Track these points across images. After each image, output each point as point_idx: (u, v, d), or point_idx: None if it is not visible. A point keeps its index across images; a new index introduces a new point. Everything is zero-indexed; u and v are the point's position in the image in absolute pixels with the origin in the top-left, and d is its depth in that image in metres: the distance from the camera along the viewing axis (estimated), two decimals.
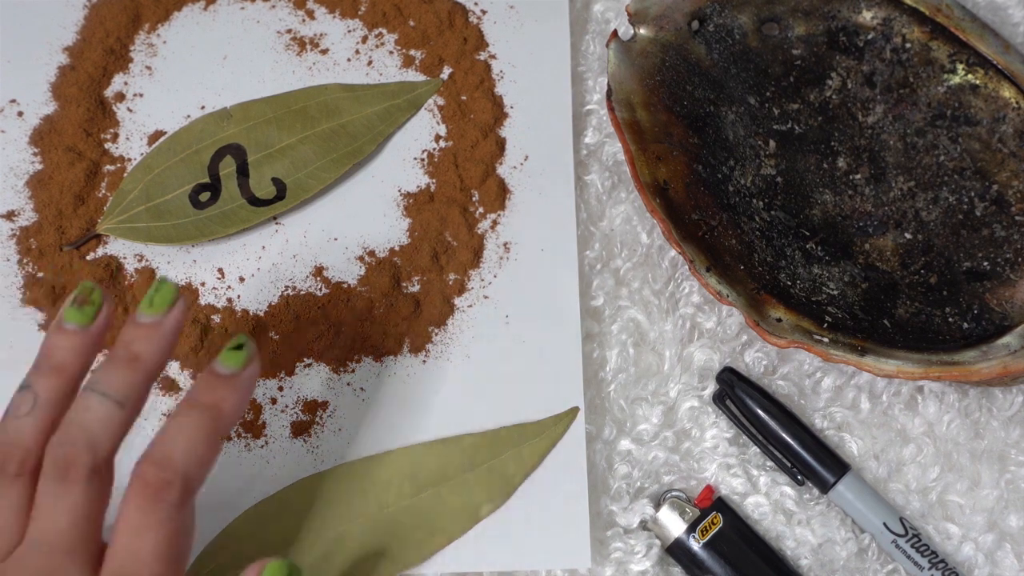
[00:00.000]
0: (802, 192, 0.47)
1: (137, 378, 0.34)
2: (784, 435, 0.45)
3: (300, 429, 0.45)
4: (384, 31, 0.51)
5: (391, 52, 0.50)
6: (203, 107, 0.49)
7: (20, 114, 0.49)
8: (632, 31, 0.47)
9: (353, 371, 0.45)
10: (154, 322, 0.35)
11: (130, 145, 0.49)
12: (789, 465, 0.45)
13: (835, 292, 0.45)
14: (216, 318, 0.46)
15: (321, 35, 0.51)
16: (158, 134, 0.49)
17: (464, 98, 0.49)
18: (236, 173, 0.47)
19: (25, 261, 0.47)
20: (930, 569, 0.43)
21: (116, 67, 0.50)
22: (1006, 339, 0.41)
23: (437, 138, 0.49)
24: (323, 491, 0.43)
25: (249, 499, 0.43)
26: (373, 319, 0.46)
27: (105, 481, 0.34)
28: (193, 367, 0.45)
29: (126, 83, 0.50)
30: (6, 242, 0.47)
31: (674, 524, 0.44)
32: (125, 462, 0.34)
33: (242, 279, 0.47)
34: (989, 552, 0.44)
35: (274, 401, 0.45)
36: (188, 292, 0.46)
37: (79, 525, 0.33)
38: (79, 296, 0.35)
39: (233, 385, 0.35)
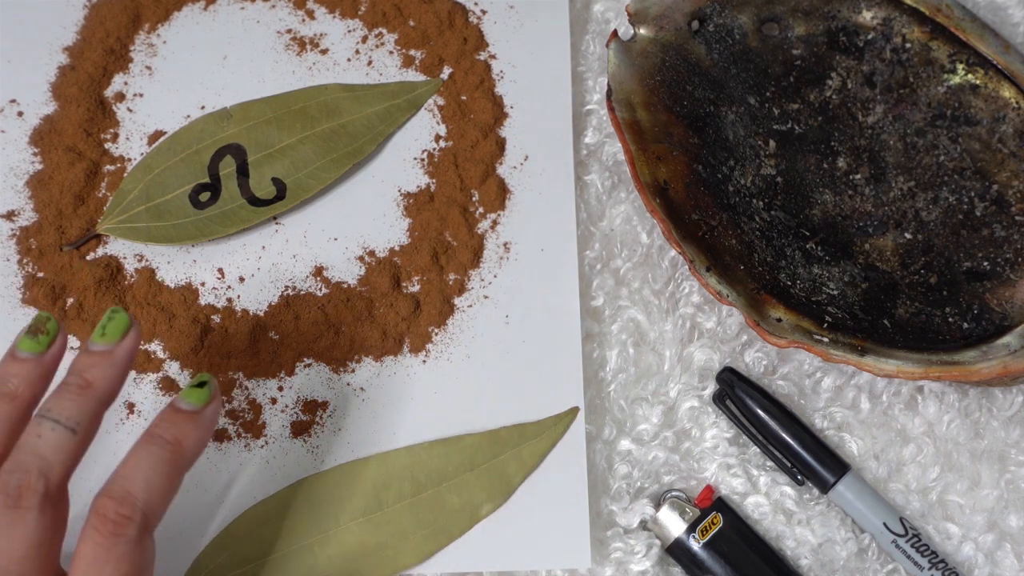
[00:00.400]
0: (802, 192, 0.47)
1: (89, 405, 0.35)
2: (784, 435, 0.45)
3: (300, 429, 0.45)
4: (384, 31, 0.51)
5: (391, 52, 0.50)
6: (203, 107, 0.49)
7: (20, 114, 0.49)
8: (632, 31, 0.47)
9: (353, 371, 0.45)
10: (106, 350, 0.36)
11: (130, 145, 0.49)
12: (789, 465, 0.45)
13: (835, 292, 0.45)
14: (216, 318, 0.46)
15: (321, 35, 0.51)
16: (158, 134, 0.49)
17: (464, 98, 0.49)
18: (236, 173, 0.47)
19: (25, 261, 0.47)
20: (930, 569, 0.43)
21: (116, 67, 0.50)
22: (1006, 339, 0.41)
23: (437, 138, 0.49)
24: (323, 491, 0.43)
25: (249, 499, 0.43)
26: (373, 319, 0.46)
27: (59, 508, 0.34)
28: (193, 367, 0.45)
29: (126, 83, 0.50)
30: (6, 242, 0.47)
31: (674, 524, 0.44)
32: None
33: (242, 279, 0.47)
34: (989, 552, 0.44)
35: (274, 401, 0.45)
36: (188, 292, 0.46)
37: (33, 553, 0.32)
38: (34, 325, 0.36)
39: (195, 421, 0.36)
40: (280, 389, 0.45)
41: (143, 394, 0.45)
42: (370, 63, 0.50)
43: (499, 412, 0.45)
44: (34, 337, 0.36)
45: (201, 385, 0.36)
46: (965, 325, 0.44)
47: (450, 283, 0.47)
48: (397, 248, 0.47)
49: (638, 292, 0.47)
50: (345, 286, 0.47)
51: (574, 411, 0.44)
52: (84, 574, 0.32)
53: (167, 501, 0.34)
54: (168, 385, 0.45)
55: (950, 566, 0.43)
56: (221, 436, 0.44)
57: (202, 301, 0.46)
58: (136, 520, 0.33)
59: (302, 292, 0.46)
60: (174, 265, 0.47)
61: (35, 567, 0.33)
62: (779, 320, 0.42)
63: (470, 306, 0.46)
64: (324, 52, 0.50)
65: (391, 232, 0.47)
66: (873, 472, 0.45)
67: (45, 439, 0.33)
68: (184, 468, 0.35)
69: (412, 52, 0.50)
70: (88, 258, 0.47)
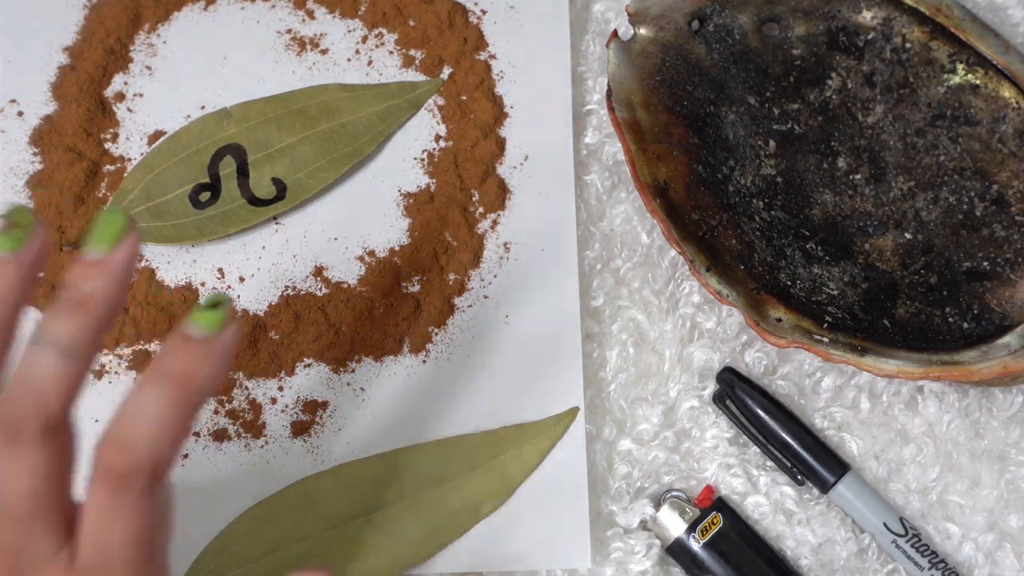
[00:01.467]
0: (802, 192, 0.47)
1: (87, 322, 0.30)
2: (784, 435, 0.45)
3: (300, 429, 0.45)
4: (384, 31, 0.51)
5: (391, 52, 0.50)
6: (203, 107, 0.49)
7: (20, 114, 0.49)
8: (632, 31, 0.47)
9: (353, 371, 0.45)
10: (102, 259, 0.31)
11: (130, 145, 0.49)
12: (789, 465, 0.45)
13: (835, 292, 0.45)
14: None
15: (321, 35, 0.51)
16: (158, 134, 0.49)
17: (464, 98, 0.49)
18: (236, 173, 0.47)
19: None
20: (930, 569, 0.43)
21: (116, 67, 0.50)
22: (1006, 339, 0.41)
23: (437, 138, 0.49)
24: (323, 491, 0.43)
25: (249, 499, 0.43)
26: (373, 319, 0.46)
27: (63, 439, 0.30)
28: None
29: (126, 83, 0.50)
30: None
31: (674, 524, 0.44)
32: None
33: (242, 279, 0.47)
34: (989, 552, 0.44)
35: (274, 401, 0.45)
36: (188, 292, 0.46)
37: (39, 489, 0.29)
38: (7, 219, 0.31)
39: (207, 351, 0.30)
40: (280, 389, 0.45)
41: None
42: (370, 63, 0.50)
43: (499, 412, 0.45)
44: (8, 233, 0.30)
45: (215, 306, 0.31)
46: (965, 325, 0.44)
47: (450, 283, 0.47)
48: (397, 248, 0.47)
49: (638, 292, 0.47)
50: (345, 286, 0.47)
51: (574, 411, 0.44)
52: (93, 534, 0.29)
53: (178, 445, 0.30)
54: None
55: (950, 566, 0.43)
56: (221, 436, 0.44)
57: (202, 301, 0.46)
58: (144, 470, 0.29)
59: (302, 292, 0.46)
60: (174, 265, 0.47)
61: (42, 503, 0.29)
62: (779, 320, 0.42)
63: (470, 306, 0.46)
64: (324, 52, 0.50)
65: (391, 232, 0.48)
66: (873, 472, 0.45)
67: (39, 368, 0.29)
68: (196, 407, 0.30)
69: (412, 52, 0.50)
70: None
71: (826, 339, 0.42)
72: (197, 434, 0.44)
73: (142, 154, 0.48)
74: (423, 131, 0.49)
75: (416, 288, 0.47)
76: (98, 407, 0.43)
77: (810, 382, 0.46)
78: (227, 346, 0.31)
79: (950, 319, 0.44)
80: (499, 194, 0.48)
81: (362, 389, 0.45)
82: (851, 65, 0.48)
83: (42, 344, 0.30)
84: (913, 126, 0.47)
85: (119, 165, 0.48)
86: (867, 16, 0.48)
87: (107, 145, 0.49)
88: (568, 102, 0.49)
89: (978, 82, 0.46)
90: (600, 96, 0.50)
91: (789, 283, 0.44)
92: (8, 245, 0.31)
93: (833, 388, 0.46)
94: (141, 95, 0.50)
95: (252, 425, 0.45)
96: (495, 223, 0.48)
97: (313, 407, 0.45)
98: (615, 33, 0.47)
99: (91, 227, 0.31)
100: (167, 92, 0.50)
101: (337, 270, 0.47)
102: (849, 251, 0.46)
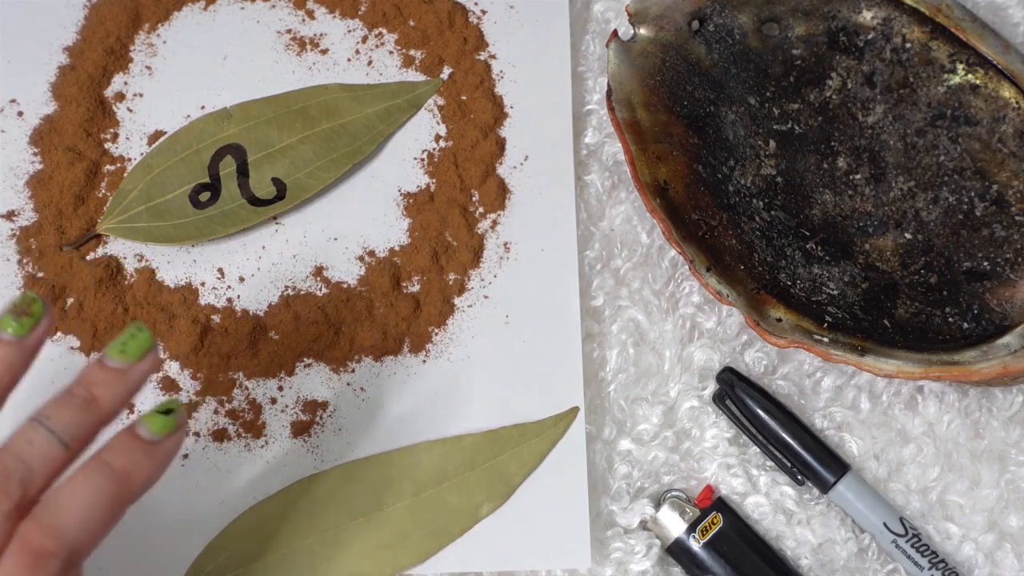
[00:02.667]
0: (802, 192, 0.47)
1: (90, 420, 0.33)
2: (784, 435, 0.45)
3: (300, 429, 0.45)
4: (384, 31, 0.51)
5: (391, 52, 0.50)
6: (203, 107, 0.49)
7: (20, 114, 0.49)
8: (632, 31, 0.47)
9: (353, 371, 0.45)
10: (122, 368, 0.33)
11: (130, 145, 0.49)
12: (789, 465, 0.45)
13: (835, 292, 0.45)
14: (216, 318, 0.46)
15: (321, 35, 0.51)
16: (158, 134, 0.49)
17: (464, 98, 0.49)
18: (236, 173, 0.47)
19: (25, 261, 0.47)
20: (930, 569, 0.43)
21: (116, 67, 0.50)
22: (1006, 339, 0.41)
23: (437, 138, 0.49)
24: (323, 491, 0.43)
25: (249, 499, 0.43)
26: (373, 319, 0.46)
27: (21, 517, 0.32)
28: (193, 367, 0.45)
29: (126, 83, 0.50)
30: (6, 242, 0.47)
31: (674, 524, 0.44)
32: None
33: (242, 279, 0.47)
34: (989, 552, 0.44)
35: (274, 401, 0.45)
36: (188, 292, 0.46)
37: None
38: (19, 306, 0.33)
39: (151, 453, 0.32)
40: (280, 389, 0.45)
41: (143, 394, 0.45)
42: (370, 63, 0.50)
43: (499, 412, 0.45)
44: (18, 319, 0.33)
45: (167, 412, 0.33)
46: (965, 325, 0.44)
47: (450, 283, 0.47)
48: (397, 248, 0.47)
49: (638, 292, 0.47)
50: (345, 286, 0.47)
51: (574, 411, 0.44)
52: None
53: (102, 535, 0.31)
54: (168, 385, 0.45)
55: (950, 566, 0.43)
56: (221, 436, 0.44)
57: (202, 301, 0.46)
58: (60, 556, 0.30)
59: (302, 292, 0.46)
60: (174, 265, 0.47)
61: None
62: (779, 320, 0.42)
63: (470, 306, 0.46)
64: (324, 52, 0.50)
65: (391, 232, 0.47)
66: (873, 472, 0.45)
67: (35, 447, 0.31)
68: (128, 502, 0.32)
69: (412, 52, 0.50)
70: (88, 258, 0.47)
71: (826, 339, 0.42)
72: (197, 434, 0.44)
73: (142, 154, 0.48)
74: (423, 131, 0.49)
75: (416, 288, 0.47)
76: None
77: (810, 382, 0.46)
78: (170, 452, 0.33)
79: (950, 319, 0.44)
80: (499, 194, 0.48)
81: (362, 389, 0.45)
82: (851, 65, 0.48)
83: (44, 427, 0.32)
84: (913, 126, 0.47)
85: (119, 165, 0.48)
86: (867, 16, 0.48)
87: (107, 145, 0.49)
88: (568, 102, 0.49)
89: (978, 82, 0.46)
90: (600, 96, 0.50)
91: (789, 283, 0.44)
92: (16, 330, 0.33)
93: (833, 388, 0.46)
94: (141, 95, 0.50)
95: (252, 425, 0.45)
96: (495, 223, 0.48)
97: (313, 407, 0.45)
98: (615, 33, 0.47)
99: (120, 336, 0.33)
100: (167, 92, 0.50)
101: (337, 270, 0.47)
102: (849, 251, 0.46)
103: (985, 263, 0.45)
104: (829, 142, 0.48)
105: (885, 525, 0.43)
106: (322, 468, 0.44)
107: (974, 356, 0.41)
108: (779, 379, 0.46)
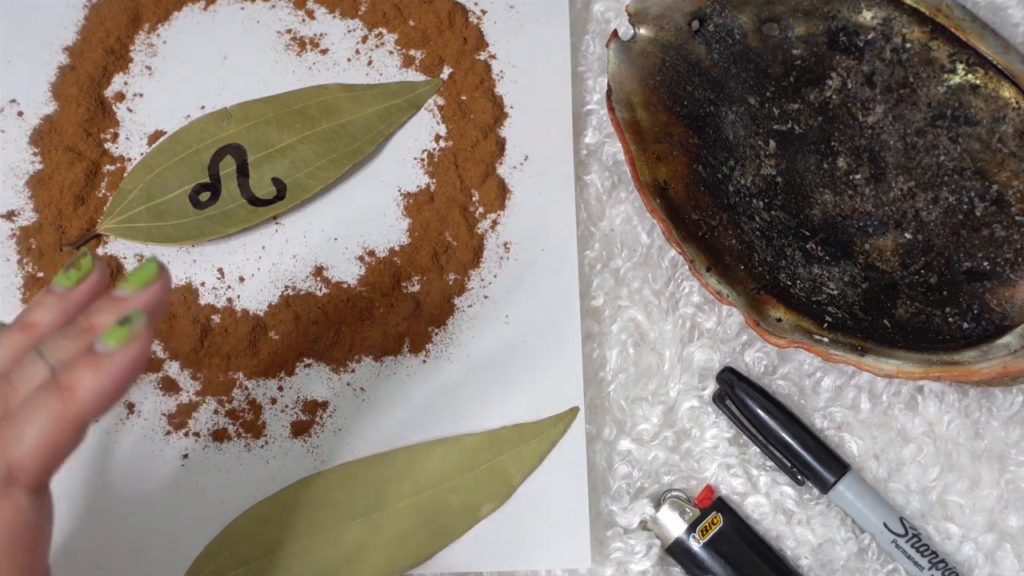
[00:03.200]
0: (802, 192, 0.47)
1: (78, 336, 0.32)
2: (784, 435, 0.45)
3: (300, 429, 0.45)
4: (384, 31, 0.51)
5: (391, 52, 0.50)
6: (203, 107, 0.49)
7: (20, 114, 0.49)
8: (632, 31, 0.47)
9: (353, 371, 0.45)
10: (125, 296, 0.32)
11: (130, 145, 0.49)
12: (789, 465, 0.45)
13: (835, 292, 0.45)
14: (216, 318, 0.46)
15: (321, 35, 0.50)
16: (158, 134, 0.49)
17: (464, 98, 0.49)
18: (236, 173, 0.47)
19: (25, 261, 0.47)
20: (930, 569, 0.43)
21: (116, 67, 0.50)
22: (1006, 339, 0.41)
23: (437, 138, 0.49)
24: (323, 491, 0.43)
25: (249, 499, 0.43)
26: (373, 319, 0.46)
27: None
28: (193, 367, 0.45)
29: (126, 83, 0.50)
30: (6, 242, 0.47)
31: (674, 524, 0.44)
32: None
33: (242, 279, 0.47)
34: (989, 552, 0.44)
35: (274, 401, 0.45)
36: (188, 292, 0.46)
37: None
38: (71, 260, 0.34)
39: (100, 365, 0.31)
40: (280, 389, 0.45)
41: (143, 394, 0.45)
42: (370, 63, 0.50)
43: (499, 412, 0.45)
44: (66, 271, 0.34)
45: (124, 323, 0.31)
46: (965, 325, 0.44)
47: (450, 283, 0.47)
48: (397, 248, 0.47)
49: (638, 292, 0.47)
50: (345, 286, 0.47)
51: (574, 411, 0.44)
52: None
53: (51, 454, 0.30)
54: (168, 385, 0.45)
55: (950, 566, 0.43)
56: (221, 436, 0.44)
57: (202, 301, 0.46)
58: (27, 471, 0.30)
59: (302, 292, 0.46)
60: (174, 265, 0.47)
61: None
62: (779, 320, 0.42)
63: (470, 306, 0.46)
64: (324, 52, 0.50)
65: (391, 232, 0.47)
66: (873, 472, 0.45)
67: (31, 378, 0.31)
68: (80, 420, 0.30)
69: (412, 52, 0.50)
70: None
71: (826, 339, 0.42)
72: (197, 434, 0.44)
73: (142, 154, 0.48)
74: (423, 131, 0.49)
75: (416, 288, 0.47)
76: None
77: (810, 382, 0.46)
78: (125, 366, 0.31)
79: (950, 319, 0.44)
80: (499, 194, 0.48)
81: (362, 389, 0.45)
82: (851, 65, 0.48)
83: (42, 360, 0.32)
84: (913, 126, 0.47)
85: (119, 165, 0.48)
86: (867, 16, 0.48)
87: (107, 145, 0.49)
88: (568, 102, 0.49)
89: (978, 82, 0.46)
90: (600, 96, 0.50)
91: (789, 283, 0.44)
92: (64, 282, 0.34)
93: (833, 388, 0.46)
94: (141, 95, 0.50)
95: (252, 425, 0.45)
96: (495, 223, 0.48)
97: (313, 407, 0.45)
98: (615, 33, 0.47)
99: (131, 272, 0.33)
100: (167, 92, 0.50)
101: (337, 270, 0.47)
102: (849, 251, 0.46)
103: (985, 263, 0.45)
104: (829, 142, 0.48)
105: (885, 525, 0.43)
106: (322, 468, 0.44)
107: (974, 356, 0.41)
108: (779, 379, 0.46)
